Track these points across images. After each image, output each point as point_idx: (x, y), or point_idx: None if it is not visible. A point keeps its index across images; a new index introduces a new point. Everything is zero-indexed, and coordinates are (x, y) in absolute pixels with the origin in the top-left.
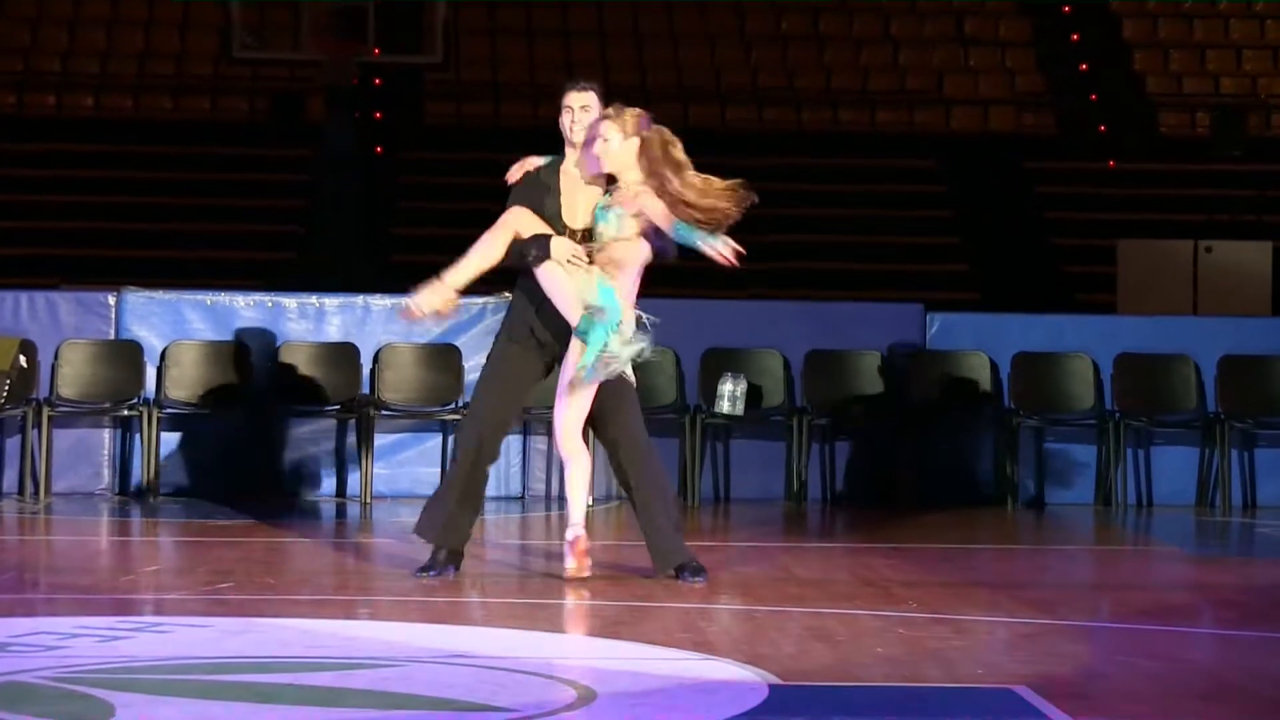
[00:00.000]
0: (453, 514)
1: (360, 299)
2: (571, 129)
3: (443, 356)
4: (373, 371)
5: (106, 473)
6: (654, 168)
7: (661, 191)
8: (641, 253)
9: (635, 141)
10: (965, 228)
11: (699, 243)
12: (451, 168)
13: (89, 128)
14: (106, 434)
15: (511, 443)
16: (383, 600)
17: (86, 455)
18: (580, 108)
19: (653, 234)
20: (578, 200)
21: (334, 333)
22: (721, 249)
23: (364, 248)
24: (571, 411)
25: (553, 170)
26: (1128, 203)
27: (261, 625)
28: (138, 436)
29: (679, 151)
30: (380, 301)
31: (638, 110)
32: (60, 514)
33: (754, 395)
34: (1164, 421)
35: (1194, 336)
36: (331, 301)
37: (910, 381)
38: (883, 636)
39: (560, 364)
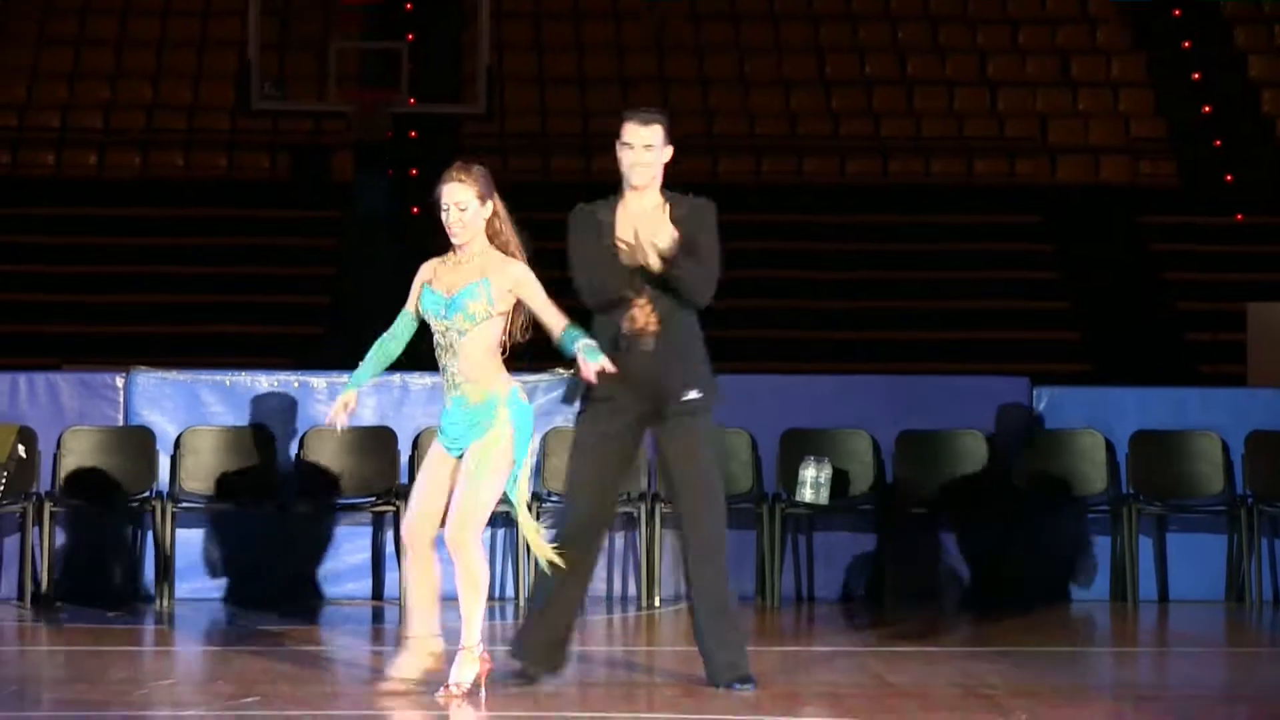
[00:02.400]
0: (532, 628)
1: (397, 378)
2: (632, 169)
3: None
4: (412, 459)
5: (117, 573)
6: (500, 239)
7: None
8: (500, 329)
9: (489, 206)
10: (1074, 291)
11: (581, 353)
12: None
13: (92, 189)
14: (114, 530)
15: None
16: (429, 716)
17: (92, 554)
18: (644, 146)
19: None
20: (635, 242)
21: (368, 416)
22: (599, 365)
23: None
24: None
25: (608, 208)
26: (1258, 261)
27: None
28: (149, 533)
29: None
30: (420, 380)
31: (482, 169)
32: (64, 621)
33: (840, 481)
34: None
35: None
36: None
37: (1015, 464)
38: None
39: (662, 431)
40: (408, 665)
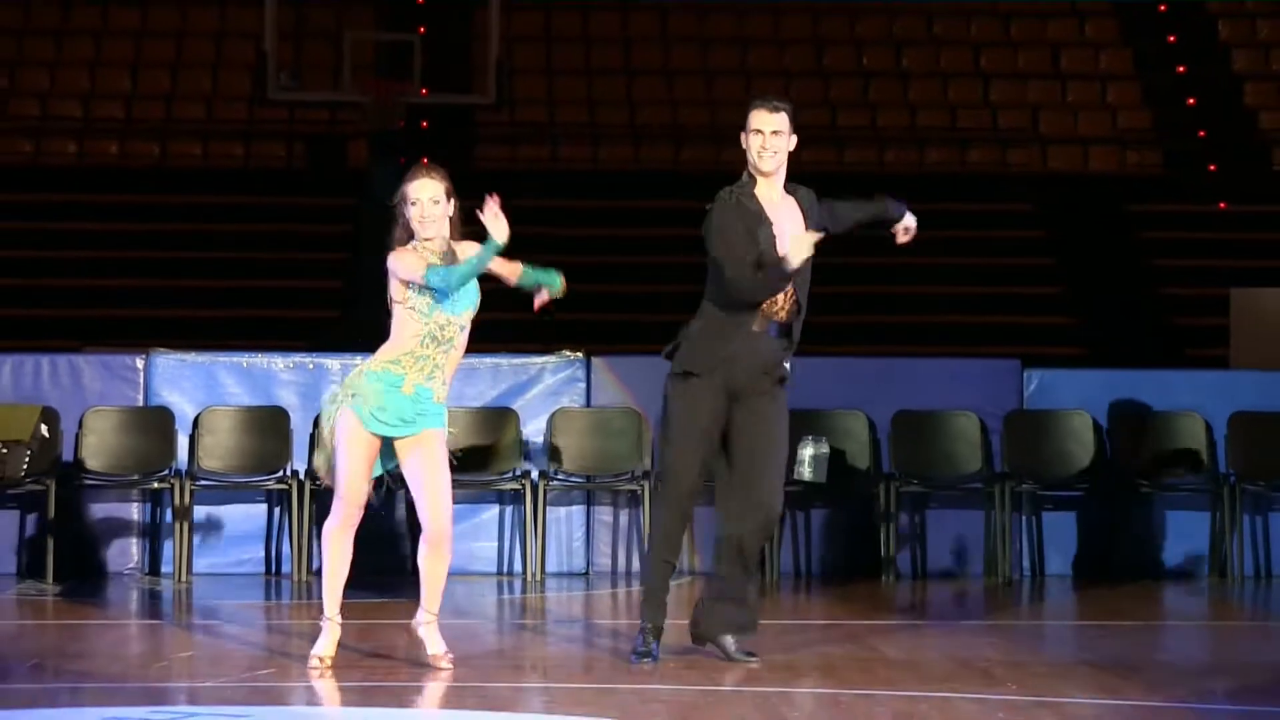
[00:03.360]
0: (658, 589)
1: None
2: (760, 155)
3: (500, 420)
4: None
5: (134, 550)
6: (455, 234)
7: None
8: None
9: (452, 203)
10: (1064, 276)
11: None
12: (506, 216)
13: (112, 177)
14: (135, 508)
15: (574, 514)
16: (437, 685)
17: (113, 531)
18: (772, 132)
19: None
20: (785, 230)
21: None
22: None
23: None
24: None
25: (748, 197)
26: (1241, 248)
27: (306, 715)
28: (168, 510)
29: None
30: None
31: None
32: (85, 597)
33: (837, 460)
34: None
35: None
36: None
37: (1006, 444)
38: None
39: (741, 404)
40: (327, 645)
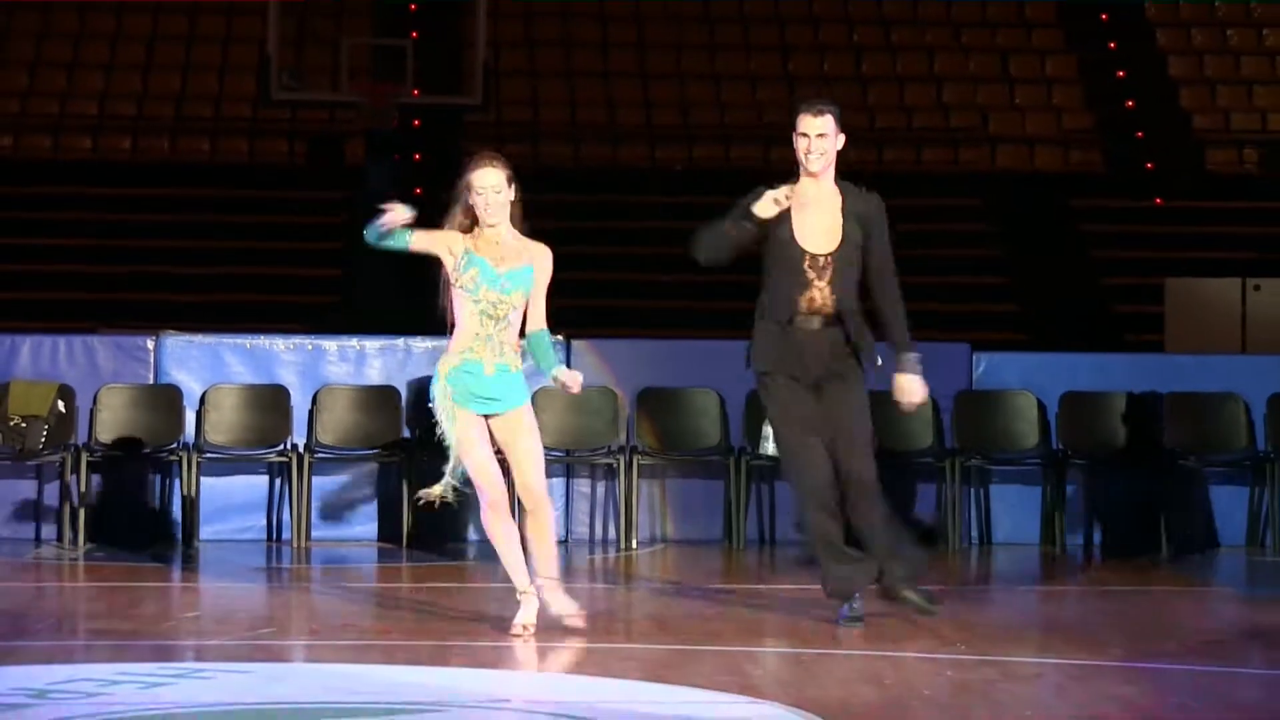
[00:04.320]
0: (832, 567)
1: (401, 341)
2: (807, 157)
3: None
4: (411, 415)
5: (145, 517)
6: (517, 223)
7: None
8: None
9: (514, 191)
10: (1011, 267)
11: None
12: None
13: (126, 171)
14: (146, 479)
15: (555, 485)
16: (425, 645)
17: (125, 501)
18: (817, 135)
19: None
20: (808, 224)
21: (375, 375)
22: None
23: (404, 290)
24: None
25: (785, 191)
26: (1175, 240)
27: (303, 671)
28: (176, 481)
29: None
30: (421, 344)
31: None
32: (99, 560)
33: None
34: (1213, 461)
35: (1243, 375)
36: (372, 344)
37: (957, 422)
38: (931, 679)
39: (822, 389)
40: (528, 614)
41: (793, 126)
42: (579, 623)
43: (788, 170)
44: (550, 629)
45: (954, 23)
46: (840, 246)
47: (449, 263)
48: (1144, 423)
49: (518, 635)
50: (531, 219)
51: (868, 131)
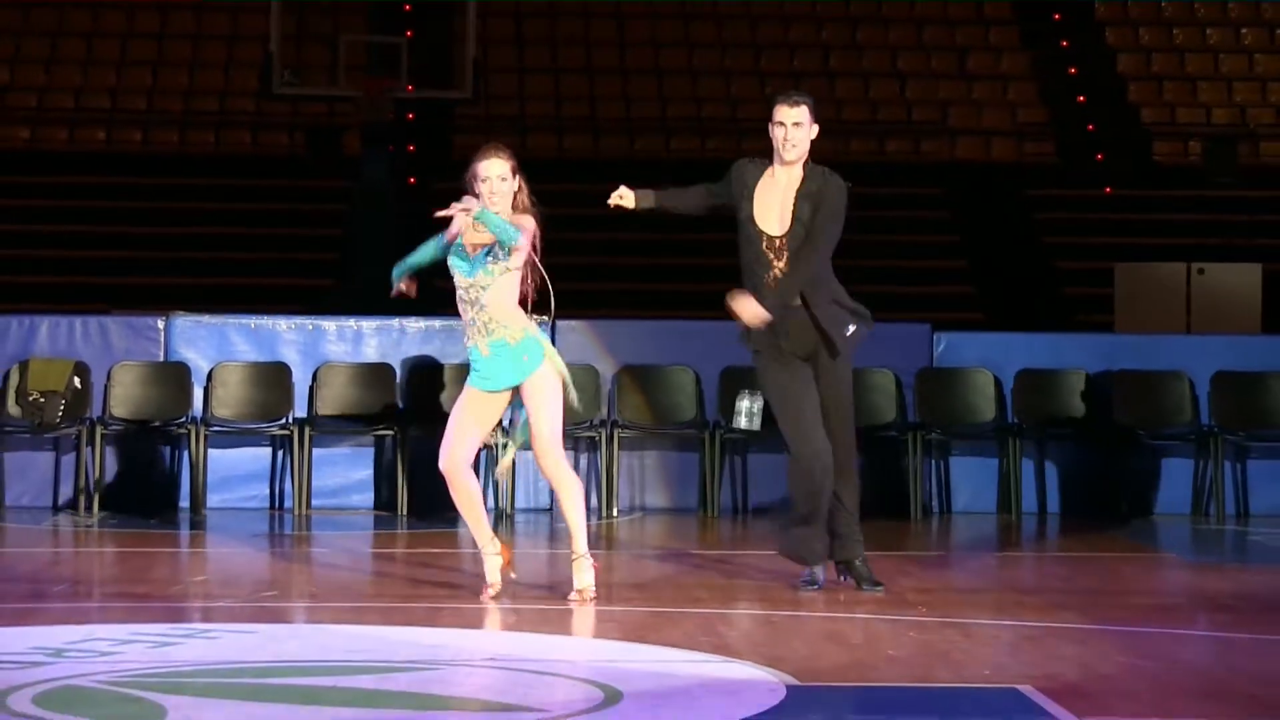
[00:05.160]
0: (805, 537)
1: (396, 321)
2: (784, 145)
3: None
4: (407, 391)
5: (156, 487)
6: (526, 208)
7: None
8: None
9: (518, 181)
10: (970, 252)
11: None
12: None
13: (137, 162)
14: (156, 451)
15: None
16: (419, 608)
17: (137, 472)
18: (793, 124)
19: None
20: (767, 207)
21: (371, 354)
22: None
23: None
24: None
25: (756, 171)
26: (1124, 227)
27: (304, 631)
28: (185, 453)
29: None
30: (415, 324)
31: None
32: (112, 527)
33: (770, 411)
34: (1160, 435)
35: (1188, 354)
36: (368, 324)
37: (919, 398)
38: (894, 639)
39: (812, 361)
40: (491, 572)
41: (769, 116)
42: (578, 601)
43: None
44: (533, 591)
45: (916, 21)
46: (791, 227)
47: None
48: (1095, 398)
49: (487, 594)
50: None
51: (835, 124)
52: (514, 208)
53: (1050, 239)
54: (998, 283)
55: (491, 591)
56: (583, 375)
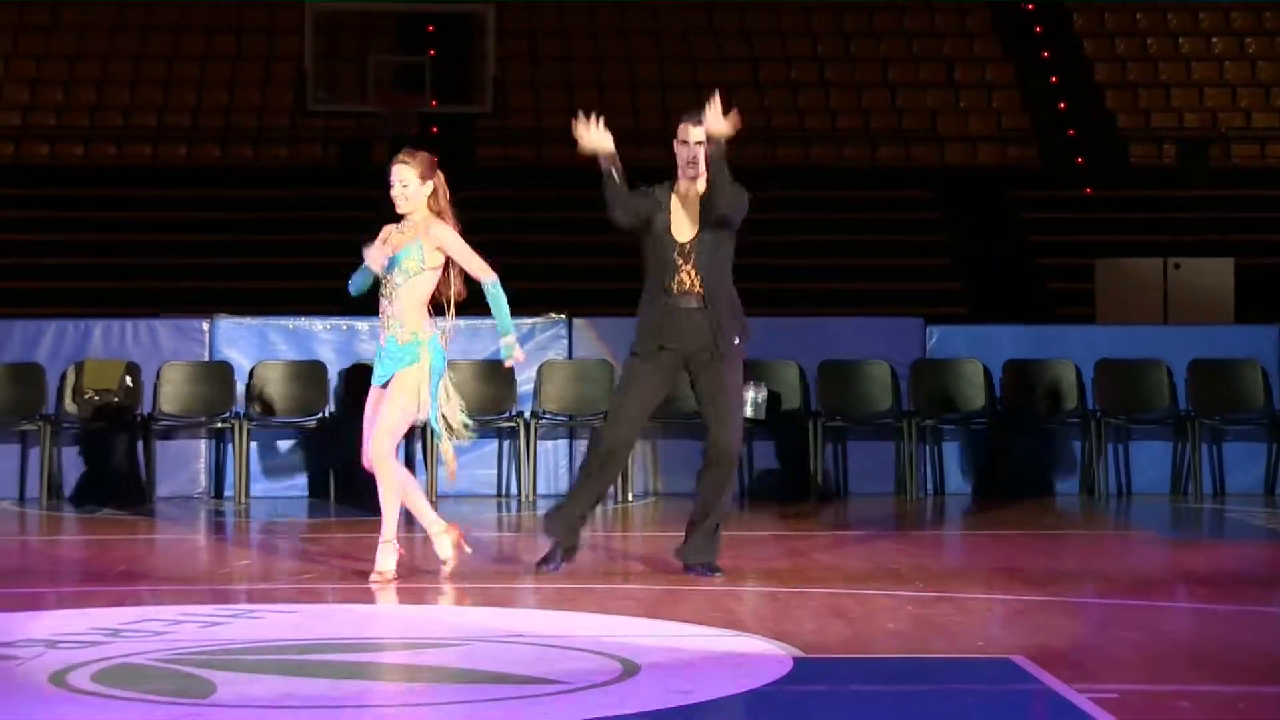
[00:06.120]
0: (578, 515)
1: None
2: (689, 163)
3: (499, 370)
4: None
5: (203, 478)
6: (442, 211)
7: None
8: (431, 283)
9: (430, 185)
10: (957, 250)
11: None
12: (500, 204)
13: (181, 175)
14: (202, 444)
15: (559, 445)
16: (448, 587)
17: (184, 464)
18: (696, 143)
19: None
20: (679, 216)
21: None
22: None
23: None
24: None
25: (665, 190)
26: (1103, 226)
27: (342, 610)
28: (229, 446)
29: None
30: (441, 323)
31: (427, 155)
32: (162, 516)
33: (774, 401)
34: (1140, 419)
35: (1165, 343)
36: None
37: (913, 387)
38: (893, 614)
39: (690, 370)
40: (442, 549)
41: (674, 134)
42: (379, 582)
43: (782, 165)
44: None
45: (905, 34)
46: (698, 233)
47: None
48: (1077, 386)
49: (444, 572)
50: (534, 212)
51: (830, 131)
52: (431, 211)
53: (1034, 237)
54: (984, 279)
55: (447, 569)
56: (598, 369)
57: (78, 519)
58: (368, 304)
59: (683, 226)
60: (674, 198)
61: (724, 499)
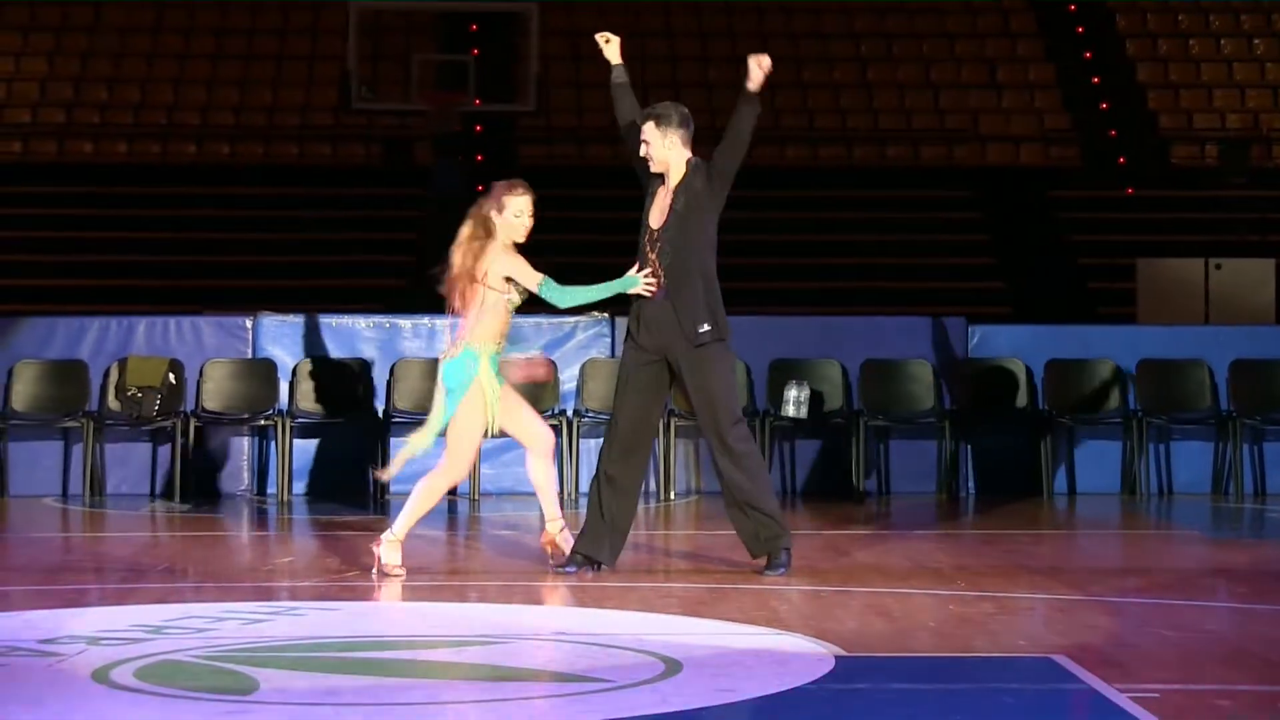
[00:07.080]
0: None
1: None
2: (646, 158)
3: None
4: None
5: (246, 476)
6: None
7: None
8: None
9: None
10: (999, 250)
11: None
12: (543, 203)
13: (225, 173)
14: (245, 441)
15: (588, 443)
16: (491, 585)
17: (228, 460)
18: (642, 140)
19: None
20: (656, 208)
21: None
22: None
23: None
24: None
25: (658, 181)
26: (1145, 226)
27: (384, 608)
28: (273, 444)
29: None
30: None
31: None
32: (206, 513)
33: (816, 400)
34: (1181, 419)
35: (1207, 343)
36: (441, 321)
37: (955, 386)
38: (934, 613)
39: (670, 367)
40: (387, 555)
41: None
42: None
43: (825, 165)
44: (595, 569)
45: (948, 35)
46: (666, 221)
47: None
48: (1119, 386)
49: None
50: (577, 210)
51: (872, 132)
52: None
53: (1075, 237)
54: (1025, 279)
55: (374, 570)
56: None
57: (120, 516)
58: (407, 301)
59: (656, 214)
60: (661, 189)
61: (758, 485)
